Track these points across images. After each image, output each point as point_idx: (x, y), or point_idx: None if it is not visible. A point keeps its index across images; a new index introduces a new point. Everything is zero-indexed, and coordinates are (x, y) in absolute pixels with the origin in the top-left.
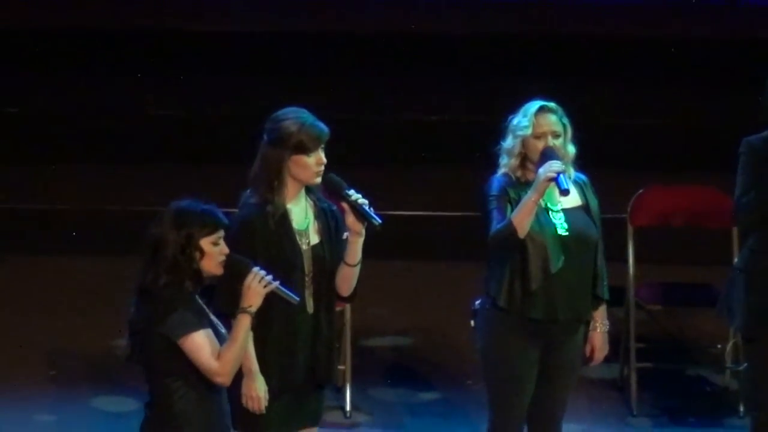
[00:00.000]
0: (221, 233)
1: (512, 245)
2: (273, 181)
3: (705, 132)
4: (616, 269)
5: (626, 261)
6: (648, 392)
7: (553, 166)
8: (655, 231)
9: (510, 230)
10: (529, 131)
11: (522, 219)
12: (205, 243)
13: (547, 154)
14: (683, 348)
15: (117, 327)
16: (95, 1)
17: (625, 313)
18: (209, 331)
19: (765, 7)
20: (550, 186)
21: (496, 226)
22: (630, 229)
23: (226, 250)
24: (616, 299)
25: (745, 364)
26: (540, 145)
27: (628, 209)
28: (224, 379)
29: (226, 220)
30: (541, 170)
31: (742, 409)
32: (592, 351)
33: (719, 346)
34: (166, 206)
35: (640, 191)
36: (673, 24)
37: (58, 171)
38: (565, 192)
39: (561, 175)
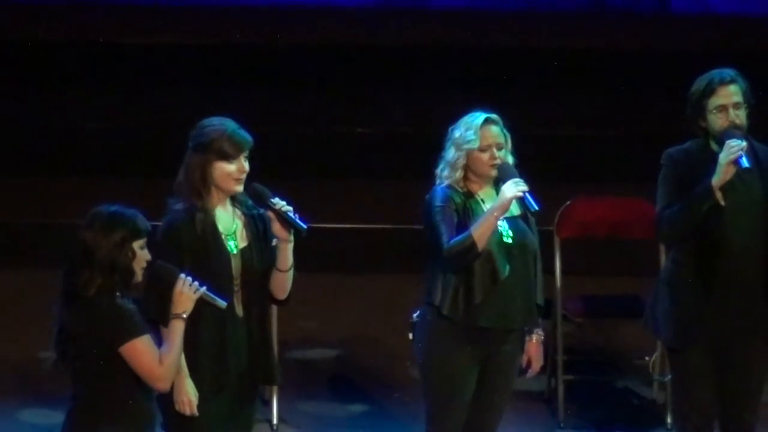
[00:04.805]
0: (145, 239)
1: (471, 259)
2: (198, 188)
3: (633, 143)
4: (543, 281)
5: (553, 273)
6: (575, 404)
7: (519, 185)
8: (581, 243)
9: (469, 243)
10: (476, 144)
11: (483, 233)
12: (136, 246)
13: (508, 171)
14: (610, 360)
15: (43, 339)
16: (20, 14)
17: (552, 326)
18: (149, 336)
19: (691, 19)
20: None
21: (452, 238)
22: (557, 241)
23: (149, 256)
24: (544, 311)
25: (670, 376)
26: (485, 157)
27: (555, 221)
28: (166, 384)
29: (149, 227)
30: (505, 188)
31: (669, 420)
32: (529, 361)
33: (646, 358)
34: (91, 212)
35: (567, 203)
36: (599, 35)
37: None
38: (534, 213)
39: (527, 194)
